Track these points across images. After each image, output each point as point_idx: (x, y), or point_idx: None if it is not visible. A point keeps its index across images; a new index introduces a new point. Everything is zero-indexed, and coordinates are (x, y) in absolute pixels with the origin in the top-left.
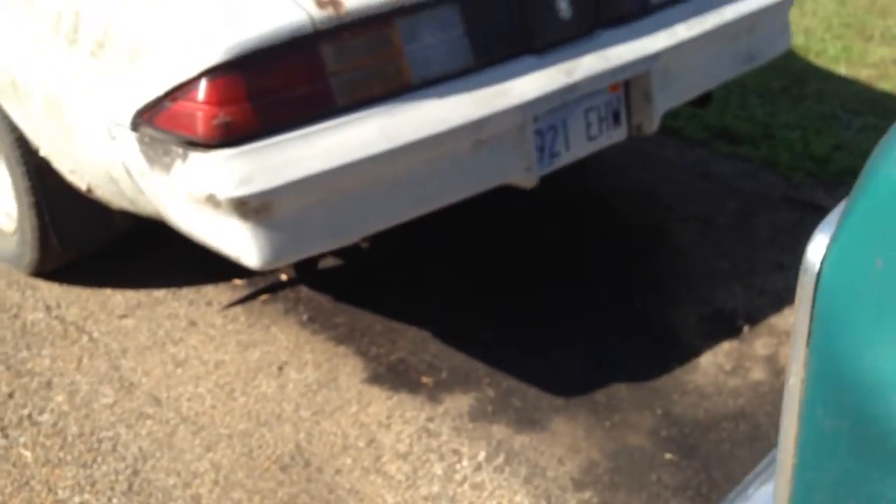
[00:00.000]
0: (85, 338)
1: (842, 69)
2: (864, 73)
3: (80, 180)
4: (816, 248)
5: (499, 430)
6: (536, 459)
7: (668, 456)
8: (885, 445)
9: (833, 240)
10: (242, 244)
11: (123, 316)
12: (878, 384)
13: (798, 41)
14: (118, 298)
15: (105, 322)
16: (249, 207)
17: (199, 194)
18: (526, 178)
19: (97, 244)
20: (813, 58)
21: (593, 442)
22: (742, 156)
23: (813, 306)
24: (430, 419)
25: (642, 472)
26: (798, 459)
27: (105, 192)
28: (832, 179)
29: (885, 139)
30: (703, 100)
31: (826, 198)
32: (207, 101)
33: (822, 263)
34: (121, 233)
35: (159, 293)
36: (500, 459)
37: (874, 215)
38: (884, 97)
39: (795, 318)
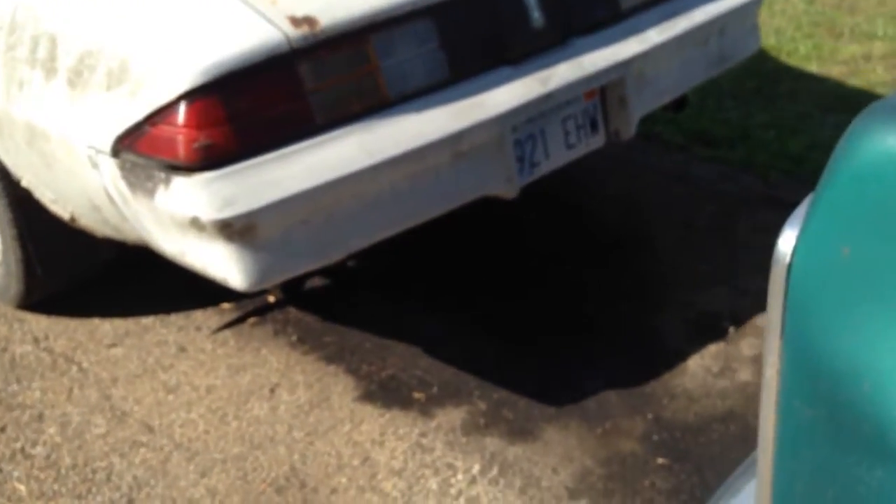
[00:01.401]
0: (74, 368)
1: (813, 67)
2: (835, 71)
3: (63, 210)
4: (786, 241)
5: (492, 443)
6: (530, 470)
7: (660, 460)
8: (858, 431)
9: (801, 232)
10: (228, 266)
11: (112, 345)
12: (850, 371)
13: (769, 41)
14: (106, 327)
15: (94, 352)
16: (234, 229)
17: (183, 218)
18: (507, 190)
19: (83, 273)
20: (784, 57)
21: (586, 449)
22: (720, 158)
23: (785, 297)
24: (423, 434)
25: (636, 478)
26: (778, 449)
27: (89, 221)
28: (809, 178)
29: (847, 132)
30: (680, 104)
31: (805, 197)
32: (187, 125)
33: (791, 255)
34: (106, 261)
35: (147, 320)
36: (495, 472)
37: (839, 205)
38: (856, 94)
39: (768, 310)
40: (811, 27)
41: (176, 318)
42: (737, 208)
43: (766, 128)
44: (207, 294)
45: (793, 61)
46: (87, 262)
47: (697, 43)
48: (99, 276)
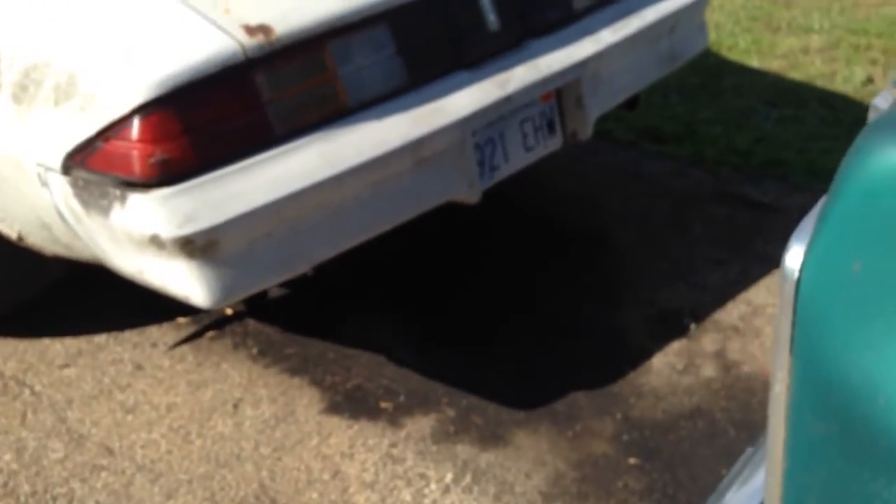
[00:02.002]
0: (27, 391)
1: (754, 62)
2: (775, 65)
3: (9, 229)
4: (794, 257)
5: (463, 450)
6: (503, 476)
7: (631, 461)
8: (874, 446)
9: (810, 247)
10: (190, 284)
11: (65, 365)
12: (865, 386)
13: (710, 36)
14: (57, 347)
15: (46, 373)
16: (196, 246)
17: (142, 236)
18: (469, 195)
19: (31, 293)
20: (725, 52)
21: (558, 453)
22: (669, 154)
23: (794, 313)
24: (393, 445)
25: (609, 480)
26: (788, 463)
27: (37, 240)
28: (758, 172)
29: (854, 148)
30: (632, 102)
31: (754, 191)
32: (142, 139)
33: (800, 271)
34: (55, 280)
35: (100, 339)
36: (468, 479)
37: (849, 220)
38: (797, 87)
39: (777, 326)
40: (749, 22)
41: (130, 335)
42: (689, 203)
43: (713, 123)
44: (162, 309)
45: (734, 56)
46: (36, 282)
47: (649, 42)
48: (47, 295)
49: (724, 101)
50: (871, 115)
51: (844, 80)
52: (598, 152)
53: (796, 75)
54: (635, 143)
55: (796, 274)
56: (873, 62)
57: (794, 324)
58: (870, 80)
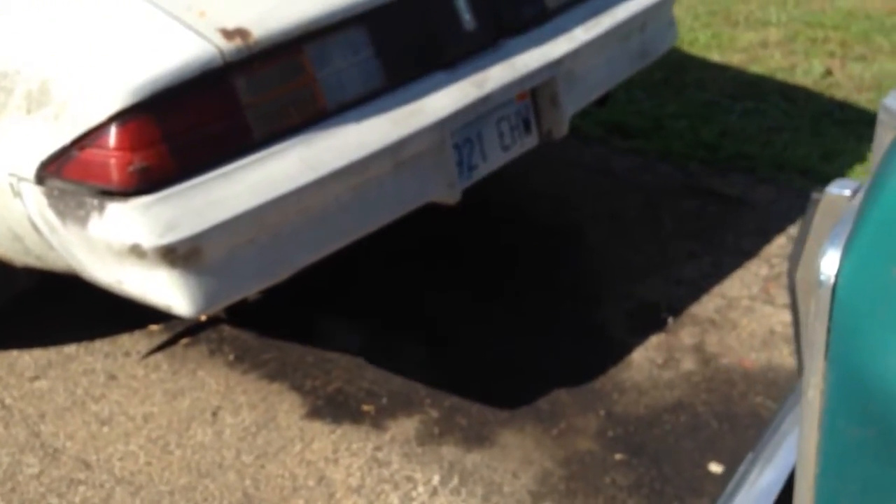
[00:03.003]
0: None
1: (715, 56)
2: (735, 59)
3: None
4: (829, 262)
5: (449, 452)
6: (491, 476)
7: (617, 456)
8: None
9: (846, 252)
10: (172, 293)
11: (35, 378)
12: None
13: None
14: (26, 359)
15: (16, 386)
16: (178, 254)
17: (121, 246)
18: (449, 195)
19: None
20: (686, 47)
21: (544, 451)
22: (637, 149)
23: (830, 319)
24: (377, 448)
25: (596, 476)
26: (821, 469)
27: (8, 251)
28: (725, 165)
29: (890, 150)
30: (603, 99)
31: (722, 184)
32: (120, 147)
33: (836, 276)
34: (24, 290)
35: (70, 349)
36: (455, 481)
37: (887, 225)
38: (758, 80)
39: (809, 332)
40: (708, 16)
41: (101, 345)
42: (660, 198)
43: (678, 117)
44: (133, 316)
45: (695, 50)
46: (3, 293)
47: (621, 39)
48: (12, 306)
49: (688, 96)
50: (882, 116)
51: (804, 72)
52: (567, 149)
53: (757, 69)
54: (603, 138)
55: (832, 280)
56: (831, 55)
57: (829, 330)
58: (829, 73)
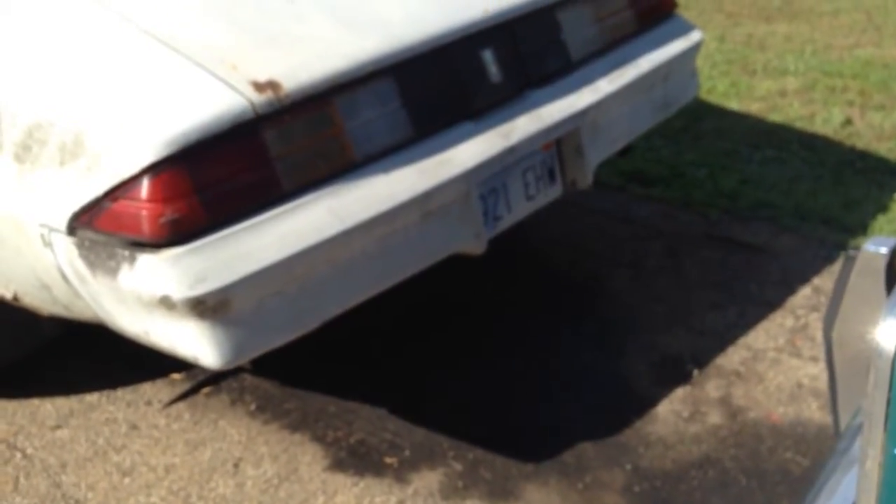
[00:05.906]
0: (18, 455)
1: (733, 104)
2: (754, 107)
3: (4, 289)
4: (889, 333)
5: None
6: None
7: None
8: None
9: None
10: (200, 345)
11: (57, 427)
12: None
13: None
14: (48, 408)
15: (38, 435)
16: (207, 306)
17: (151, 297)
18: (476, 245)
19: (22, 353)
20: (705, 95)
21: None
22: (657, 197)
23: (890, 390)
24: (401, 502)
25: None
26: None
27: (35, 300)
28: (746, 213)
29: None
30: (626, 149)
31: (744, 233)
32: (152, 199)
33: None
34: (49, 339)
35: (92, 398)
36: None
37: None
38: (777, 129)
39: (869, 402)
40: (726, 65)
41: (123, 393)
42: (681, 247)
43: (698, 166)
44: (154, 365)
45: (713, 99)
46: (29, 342)
47: (645, 90)
48: (34, 354)
49: (707, 144)
50: None
51: (824, 121)
52: (587, 197)
53: (776, 117)
54: (623, 187)
55: (893, 350)
56: (850, 104)
57: (889, 401)
58: (848, 122)
